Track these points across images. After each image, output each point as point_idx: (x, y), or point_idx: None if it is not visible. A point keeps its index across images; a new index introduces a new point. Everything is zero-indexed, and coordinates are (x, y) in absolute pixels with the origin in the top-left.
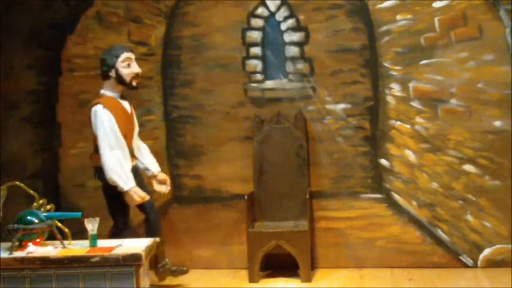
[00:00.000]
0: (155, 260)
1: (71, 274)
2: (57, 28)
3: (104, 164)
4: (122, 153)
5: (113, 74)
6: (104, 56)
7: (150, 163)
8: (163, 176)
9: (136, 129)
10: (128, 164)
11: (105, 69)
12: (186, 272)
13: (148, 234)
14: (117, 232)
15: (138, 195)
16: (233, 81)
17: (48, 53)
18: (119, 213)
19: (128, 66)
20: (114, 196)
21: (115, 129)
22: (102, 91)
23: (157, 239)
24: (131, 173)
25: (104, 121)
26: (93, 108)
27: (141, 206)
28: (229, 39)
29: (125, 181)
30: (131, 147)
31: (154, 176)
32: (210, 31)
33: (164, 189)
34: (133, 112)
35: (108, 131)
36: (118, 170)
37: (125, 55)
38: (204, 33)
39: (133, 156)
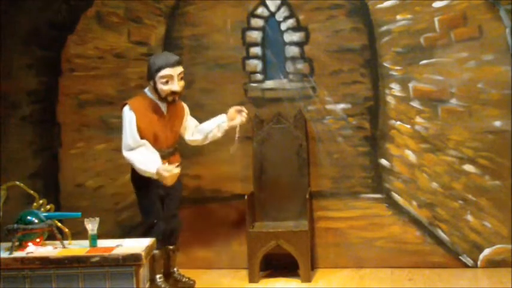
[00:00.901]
0: (164, 266)
1: (70, 274)
2: (57, 28)
3: (132, 163)
4: (145, 149)
5: (151, 83)
6: (151, 61)
7: (213, 122)
8: (231, 111)
9: (186, 130)
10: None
11: (148, 76)
12: (192, 285)
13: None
14: (149, 227)
15: (165, 169)
16: (233, 81)
17: (48, 53)
18: (145, 210)
19: (166, 83)
20: (139, 191)
21: (133, 131)
22: (145, 90)
23: (172, 247)
24: (158, 158)
25: (125, 122)
26: (123, 108)
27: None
28: (229, 39)
29: (150, 166)
30: (163, 147)
31: (231, 119)
32: (210, 31)
33: (239, 119)
34: (182, 114)
35: (127, 132)
36: (141, 159)
37: (165, 72)
38: (204, 33)
39: (165, 157)
